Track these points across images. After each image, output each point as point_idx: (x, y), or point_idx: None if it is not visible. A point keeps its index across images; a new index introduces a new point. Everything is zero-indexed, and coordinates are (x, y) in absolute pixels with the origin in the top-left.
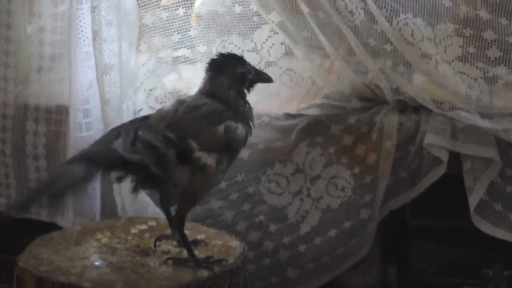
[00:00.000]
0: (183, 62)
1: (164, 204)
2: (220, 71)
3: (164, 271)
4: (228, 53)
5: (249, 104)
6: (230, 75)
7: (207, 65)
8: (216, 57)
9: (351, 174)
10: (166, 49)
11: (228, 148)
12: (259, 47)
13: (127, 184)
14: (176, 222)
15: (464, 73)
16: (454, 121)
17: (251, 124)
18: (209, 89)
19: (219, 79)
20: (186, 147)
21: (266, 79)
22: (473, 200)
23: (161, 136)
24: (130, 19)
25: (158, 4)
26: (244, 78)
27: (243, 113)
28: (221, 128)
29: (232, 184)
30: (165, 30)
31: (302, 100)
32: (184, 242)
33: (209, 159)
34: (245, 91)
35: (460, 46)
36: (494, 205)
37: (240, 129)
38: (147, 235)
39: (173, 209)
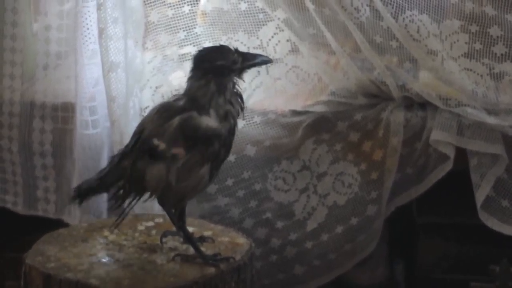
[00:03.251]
0: (188, 59)
1: (161, 204)
2: (196, 66)
3: (171, 268)
4: (211, 46)
5: (232, 101)
6: (206, 70)
7: (192, 60)
8: (197, 51)
9: (357, 170)
10: (172, 46)
11: (193, 139)
12: (265, 44)
13: None
14: (176, 221)
15: (470, 70)
16: (461, 117)
17: (232, 122)
18: (187, 88)
19: (193, 76)
20: (150, 145)
21: (263, 61)
22: (479, 197)
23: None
24: (136, 17)
25: (164, 1)
26: (225, 71)
27: (219, 109)
28: (176, 120)
29: (239, 181)
30: (171, 27)
31: (308, 97)
32: (188, 239)
33: (176, 149)
34: (233, 81)
35: (466, 43)
36: (501, 201)
37: (207, 122)
38: (154, 232)
39: None
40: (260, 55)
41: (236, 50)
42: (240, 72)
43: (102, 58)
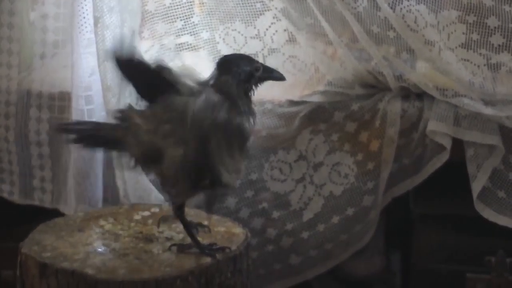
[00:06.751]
0: (186, 48)
1: (165, 188)
2: (226, 70)
3: (167, 257)
4: (236, 53)
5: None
6: (236, 74)
7: (216, 64)
8: (223, 57)
9: (354, 161)
10: (169, 35)
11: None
12: (262, 34)
13: (130, 171)
14: (176, 209)
15: (467, 60)
16: (457, 108)
17: (252, 121)
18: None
19: (224, 77)
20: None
21: (278, 77)
22: (476, 187)
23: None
24: (133, 6)
25: None
26: (250, 76)
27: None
28: None
29: None
30: (168, 16)
31: (305, 87)
32: (186, 228)
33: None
34: (253, 88)
35: (463, 33)
36: (497, 192)
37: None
38: (150, 221)
39: None
40: (277, 71)
41: (258, 61)
42: (258, 81)
43: (97, 47)
